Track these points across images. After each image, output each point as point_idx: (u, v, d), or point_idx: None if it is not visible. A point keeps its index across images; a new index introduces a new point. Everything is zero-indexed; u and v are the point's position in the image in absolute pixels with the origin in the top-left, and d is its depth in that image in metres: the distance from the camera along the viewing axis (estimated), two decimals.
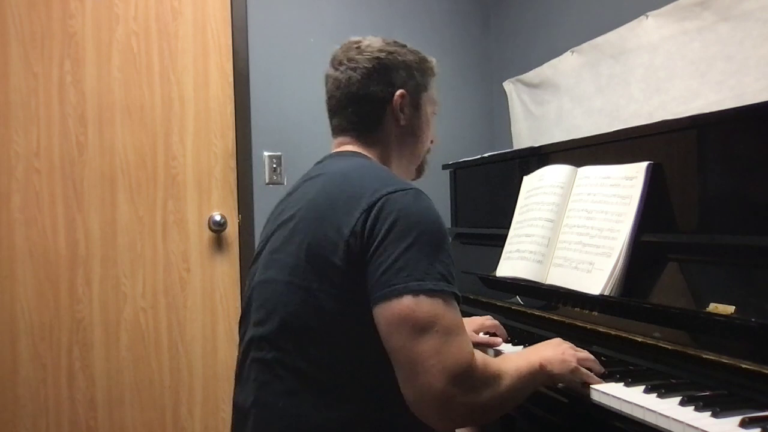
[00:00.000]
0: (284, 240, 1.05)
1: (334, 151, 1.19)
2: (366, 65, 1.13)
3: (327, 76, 1.19)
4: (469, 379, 0.90)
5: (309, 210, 1.03)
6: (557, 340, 1.13)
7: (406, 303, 0.90)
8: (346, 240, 0.95)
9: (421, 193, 1.00)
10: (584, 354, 1.10)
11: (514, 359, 1.02)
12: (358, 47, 1.16)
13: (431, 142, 1.26)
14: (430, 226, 0.96)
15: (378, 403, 0.99)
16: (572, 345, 1.11)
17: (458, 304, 0.95)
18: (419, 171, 1.28)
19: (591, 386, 1.04)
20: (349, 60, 1.14)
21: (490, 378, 0.93)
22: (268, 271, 1.07)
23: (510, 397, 0.96)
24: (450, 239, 0.95)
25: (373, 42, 1.17)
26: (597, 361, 1.10)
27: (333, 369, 0.97)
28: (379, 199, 0.96)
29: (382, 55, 1.15)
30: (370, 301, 0.93)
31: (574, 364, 1.05)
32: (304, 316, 0.98)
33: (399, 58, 1.16)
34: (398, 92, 1.15)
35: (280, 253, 1.05)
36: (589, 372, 1.07)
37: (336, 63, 1.17)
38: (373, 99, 1.14)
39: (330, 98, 1.19)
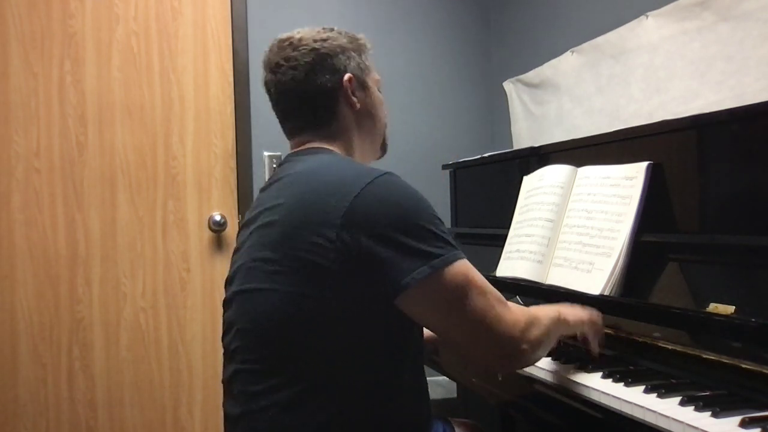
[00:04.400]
0: (261, 247, 1.00)
1: (293, 150, 1.14)
2: (306, 59, 1.09)
3: (266, 83, 1.15)
4: (519, 321, 0.96)
5: (283, 215, 0.98)
6: None
7: (440, 279, 0.92)
8: (333, 241, 0.91)
9: (393, 174, 0.99)
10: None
11: (538, 307, 1.07)
12: (291, 44, 1.11)
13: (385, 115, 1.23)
14: (422, 203, 0.97)
15: (370, 403, 0.97)
16: None
17: None
18: (383, 148, 1.26)
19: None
20: (287, 59, 1.10)
21: (531, 318, 0.99)
22: (247, 279, 1.02)
23: (549, 335, 1.02)
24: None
25: (304, 34, 1.12)
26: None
27: (322, 374, 0.95)
28: (360, 192, 0.93)
29: (318, 45, 1.11)
30: (388, 293, 0.92)
31: (586, 317, 1.13)
32: (290, 323, 0.95)
33: (334, 43, 1.12)
34: (346, 77, 1.12)
35: (258, 261, 1.00)
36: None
37: (272, 66, 1.12)
38: (323, 91, 1.11)
39: (277, 103, 1.15)
